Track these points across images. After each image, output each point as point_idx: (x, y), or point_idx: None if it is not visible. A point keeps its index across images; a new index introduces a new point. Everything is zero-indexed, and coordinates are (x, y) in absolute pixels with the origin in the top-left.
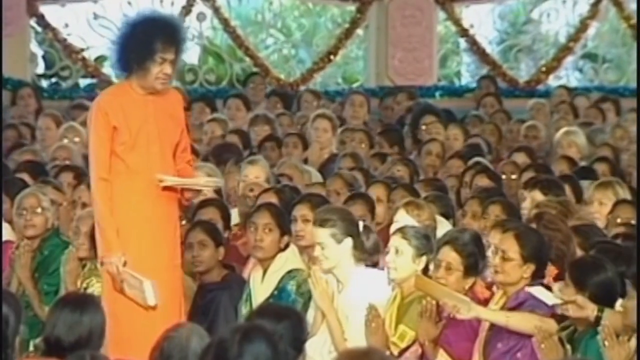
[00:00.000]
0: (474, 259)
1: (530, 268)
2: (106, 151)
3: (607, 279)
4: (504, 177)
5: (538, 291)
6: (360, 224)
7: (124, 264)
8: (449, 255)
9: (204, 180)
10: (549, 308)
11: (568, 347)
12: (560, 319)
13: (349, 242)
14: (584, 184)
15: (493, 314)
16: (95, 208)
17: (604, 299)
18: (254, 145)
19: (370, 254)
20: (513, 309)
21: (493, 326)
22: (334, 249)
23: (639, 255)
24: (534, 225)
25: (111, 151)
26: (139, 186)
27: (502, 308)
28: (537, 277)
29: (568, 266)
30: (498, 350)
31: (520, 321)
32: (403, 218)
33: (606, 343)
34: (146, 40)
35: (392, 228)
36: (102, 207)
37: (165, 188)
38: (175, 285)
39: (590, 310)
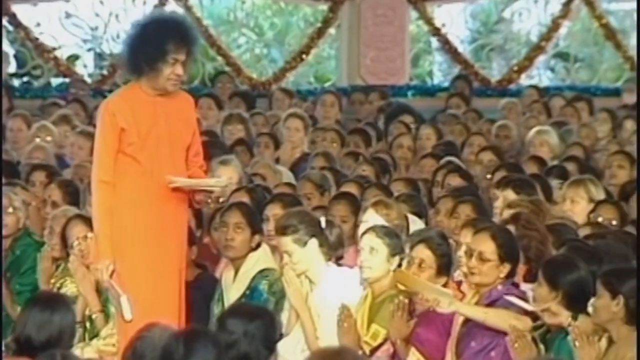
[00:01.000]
0: (447, 259)
1: (506, 268)
2: (110, 154)
3: (580, 278)
4: (488, 176)
5: (515, 299)
6: (322, 219)
7: (111, 274)
8: (423, 252)
9: (214, 181)
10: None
11: (541, 346)
12: (535, 317)
13: (314, 242)
14: (553, 183)
15: (472, 310)
16: (92, 211)
17: (577, 298)
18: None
19: (334, 249)
20: (486, 307)
21: (465, 324)
22: (301, 254)
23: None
24: (510, 226)
25: (120, 152)
26: (148, 188)
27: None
28: (510, 277)
29: (541, 265)
30: (472, 349)
31: (497, 318)
32: (372, 217)
33: (577, 343)
34: (158, 41)
35: (361, 228)
36: (99, 210)
37: (175, 190)
38: (181, 288)
39: (565, 317)
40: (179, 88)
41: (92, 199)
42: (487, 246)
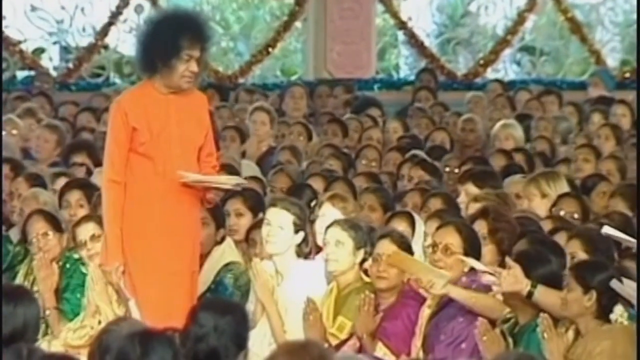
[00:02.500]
0: (410, 252)
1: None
2: (121, 153)
3: (552, 271)
4: (447, 169)
5: (477, 264)
6: None
7: (122, 273)
8: (389, 248)
9: (226, 178)
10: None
11: (509, 339)
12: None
13: (301, 235)
14: (516, 177)
15: (463, 294)
16: (103, 211)
17: None
18: None
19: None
20: (451, 299)
21: (433, 318)
22: (289, 236)
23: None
24: (480, 221)
25: (132, 151)
26: (159, 187)
27: (440, 300)
28: (472, 270)
29: (513, 258)
30: (442, 342)
31: (484, 305)
32: (329, 211)
33: (545, 335)
34: (172, 37)
35: (319, 222)
36: (110, 211)
37: (187, 190)
38: (192, 291)
39: (524, 284)
40: (193, 85)
41: (102, 198)
42: (453, 239)
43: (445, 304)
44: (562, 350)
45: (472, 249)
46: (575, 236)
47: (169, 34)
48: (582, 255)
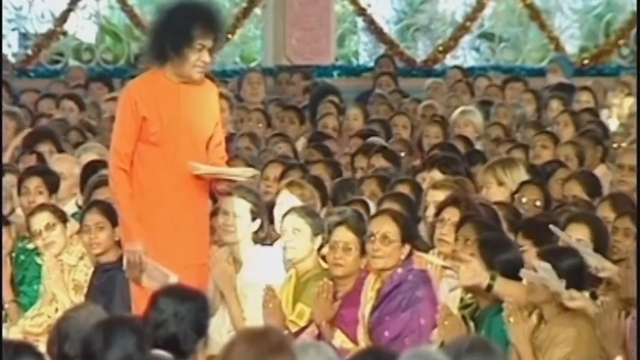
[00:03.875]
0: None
1: (406, 249)
2: (129, 142)
3: (515, 257)
4: (402, 154)
5: (429, 256)
6: None
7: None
8: (345, 235)
9: (240, 170)
10: (427, 289)
11: (471, 324)
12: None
13: (258, 222)
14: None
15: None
16: (114, 197)
17: (512, 277)
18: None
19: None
20: (390, 292)
21: (373, 312)
22: (246, 224)
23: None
24: (452, 208)
25: (143, 141)
26: (168, 177)
27: (378, 292)
28: (408, 258)
29: (476, 244)
30: (385, 338)
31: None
32: (287, 198)
33: (511, 319)
34: (185, 26)
35: (276, 209)
36: (121, 196)
37: (196, 180)
38: (202, 285)
39: (483, 277)
40: (205, 75)
41: (111, 185)
42: (390, 227)
43: (384, 297)
44: (528, 334)
45: (408, 235)
46: (579, 220)
47: (182, 22)
48: (588, 241)
